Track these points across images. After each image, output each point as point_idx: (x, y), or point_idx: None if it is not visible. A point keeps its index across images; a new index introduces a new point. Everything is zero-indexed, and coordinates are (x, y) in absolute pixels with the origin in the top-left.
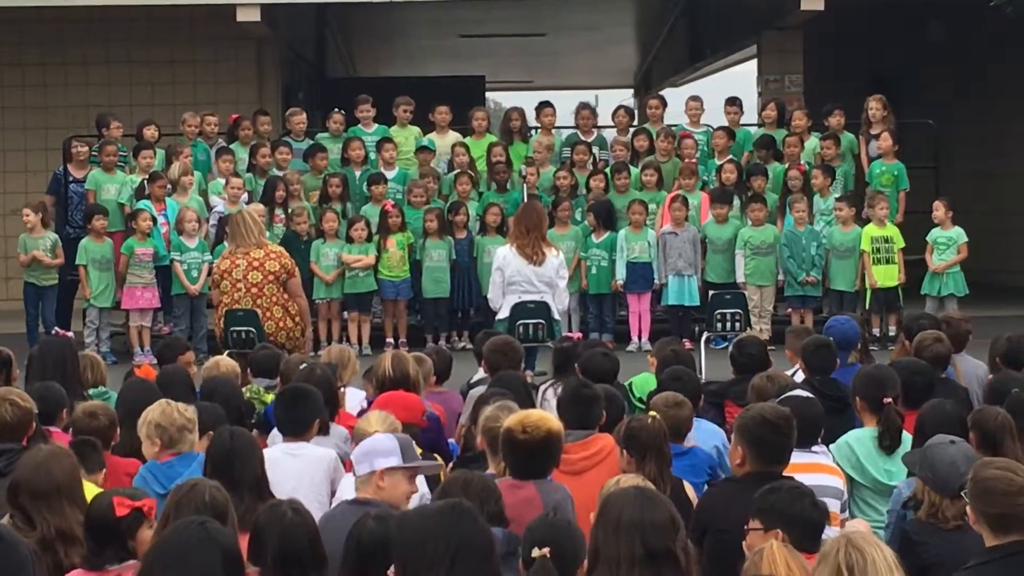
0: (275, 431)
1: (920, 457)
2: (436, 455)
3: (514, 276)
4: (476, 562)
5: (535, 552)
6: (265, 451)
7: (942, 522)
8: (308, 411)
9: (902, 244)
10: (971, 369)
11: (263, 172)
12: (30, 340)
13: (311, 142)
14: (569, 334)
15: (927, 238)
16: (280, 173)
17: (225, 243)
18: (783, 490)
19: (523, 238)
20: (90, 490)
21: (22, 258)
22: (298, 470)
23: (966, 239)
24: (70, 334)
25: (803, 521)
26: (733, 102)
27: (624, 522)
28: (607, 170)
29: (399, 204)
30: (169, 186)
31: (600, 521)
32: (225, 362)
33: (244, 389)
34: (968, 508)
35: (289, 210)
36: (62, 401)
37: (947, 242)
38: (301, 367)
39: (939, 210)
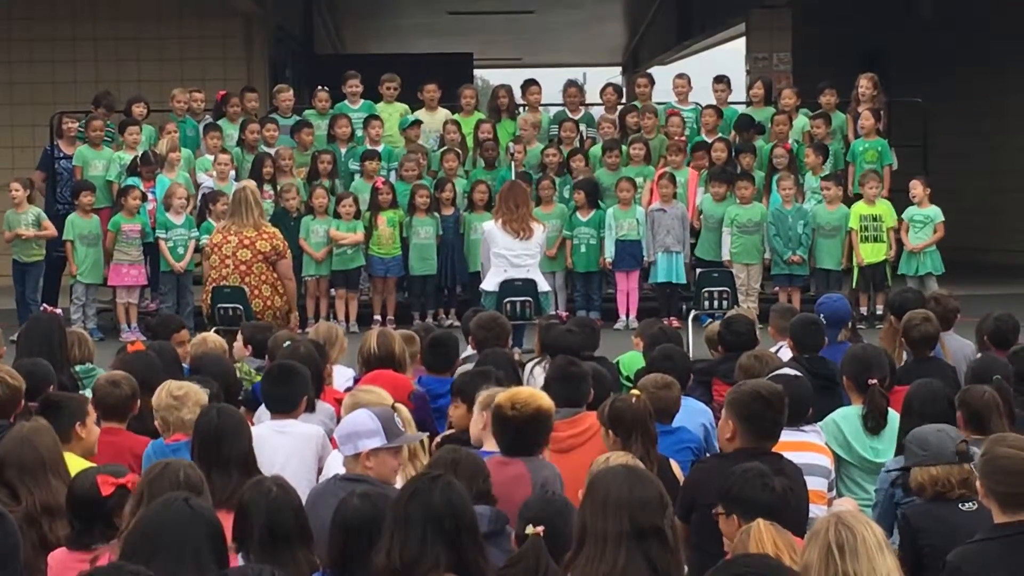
0: (262, 409)
1: (908, 442)
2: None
3: (500, 251)
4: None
5: (529, 529)
6: (253, 428)
7: (949, 492)
8: (296, 388)
9: (892, 224)
10: (959, 348)
11: (252, 148)
12: (19, 317)
13: (298, 119)
14: (557, 313)
15: (903, 216)
16: (268, 150)
17: (209, 220)
18: (737, 473)
19: (511, 214)
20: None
21: (6, 235)
22: (286, 447)
23: (942, 218)
24: (58, 311)
25: (756, 503)
26: (721, 80)
27: (612, 499)
28: (597, 147)
29: (390, 181)
30: (156, 167)
31: (588, 498)
32: (212, 338)
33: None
34: (978, 482)
35: (278, 186)
36: (49, 377)
37: (924, 220)
38: (285, 344)
39: (916, 188)
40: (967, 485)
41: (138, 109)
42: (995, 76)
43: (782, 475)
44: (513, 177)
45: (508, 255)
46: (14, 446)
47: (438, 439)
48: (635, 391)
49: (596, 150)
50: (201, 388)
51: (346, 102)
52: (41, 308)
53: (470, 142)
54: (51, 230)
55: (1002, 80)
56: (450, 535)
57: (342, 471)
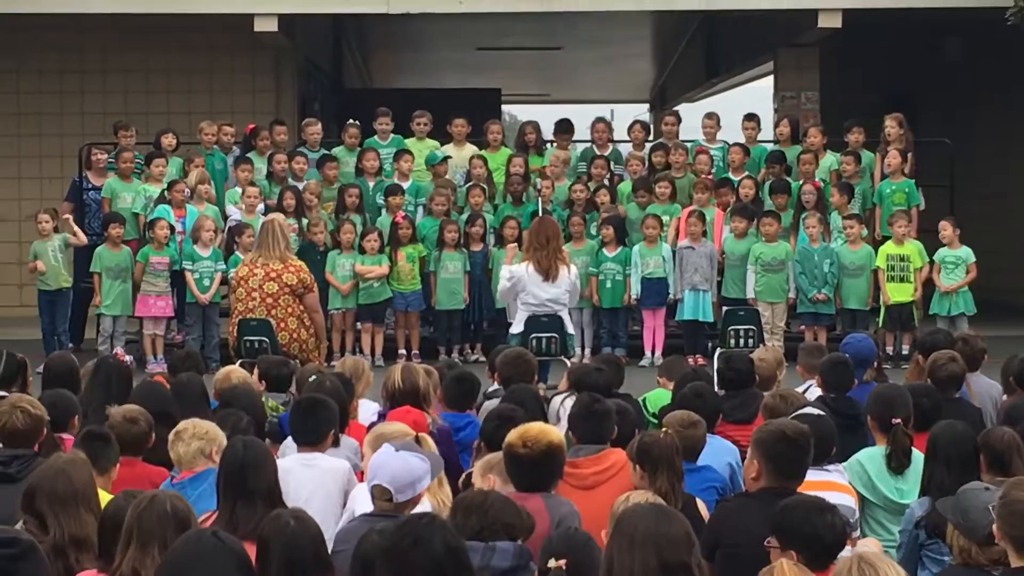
0: (287, 442)
1: (953, 503)
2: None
3: (526, 297)
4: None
5: (551, 563)
6: (279, 461)
7: (974, 565)
8: (324, 421)
9: (919, 264)
10: (985, 389)
11: (280, 179)
12: (45, 348)
13: (324, 152)
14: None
15: (934, 257)
16: (297, 183)
17: (237, 253)
18: (799, 507)
19: (541, 250)
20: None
21: (30, 265)
22: (312, 480)
23: (974, 259)
24: (127, 358)
25: (815, 540)
26: (751, 118)
27: (640, 535)
28: (625, 183)
29: (410, 216)
30: (188, 191)
31: (615, 535)
32: (237, 372)
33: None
34: (994, 526)
35: (305, 220)
36: (73, 408)
37: (955, 261)
38: (311, 379)
39: (946, 230)
40: (999, 563)
41: (167, 140)
42: (1021, 117)
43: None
44: (540, 213)
45: (533, 303)
46: (47, 477)
47: (463, 477)
48: (666, 428)
49: (624, 187)
50: (216, 423)
51: (376, 137)
52: (114, 353)
53: (497, 177)
54: (82, 237)
55: None
56: None
57: (367, 505)
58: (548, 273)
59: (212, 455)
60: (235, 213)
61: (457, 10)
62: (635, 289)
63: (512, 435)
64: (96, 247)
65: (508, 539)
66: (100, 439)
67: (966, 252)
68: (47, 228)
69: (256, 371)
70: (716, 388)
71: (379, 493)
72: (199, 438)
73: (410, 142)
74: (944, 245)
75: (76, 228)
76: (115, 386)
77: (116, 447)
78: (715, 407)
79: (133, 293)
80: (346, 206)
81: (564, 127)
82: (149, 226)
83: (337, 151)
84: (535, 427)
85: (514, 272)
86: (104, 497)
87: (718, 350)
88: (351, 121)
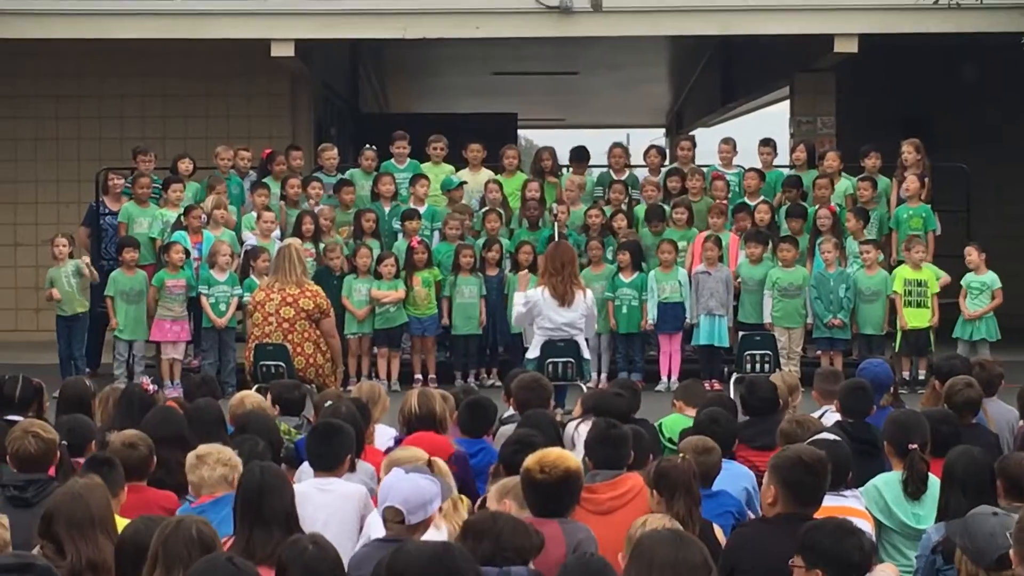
0: (304, 466)
1: (961, 527)
2: (462, 495)
3: (542, 321)
4: None
5: None
6: (296, 486)
7: None
8: (341, 446)
9: (936, 289)
10: (1002, 414)
11: (293, 203)
12: (62, 373)
13: (341, 177)
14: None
15: (961, 282)
16: (313, 207)
17: (252, 277)
18: (828, 528)
19: (557, 275)
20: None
21: (45, 294)
22: (328, 505)
23: (999, 285)
24: (152, 387)
25: (842, 560)
26: (767, 143)
27: (658, 561)
28: (640, 208)
29: (426, 241)
30: (204, 217)
31: (633, 560)
32: (252, 397)
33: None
34: (1012, 551)
35: (321, 245)
36: (90, 433)
37: (980, 287)
38: (327, 404)
39: (972, 255)
40: None
41: (184, 165)
42: None
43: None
44: (556, 237)
45: (549, 327)
46: (65, 501)
47: (480, 501)
48: (683, 453)
49: (640, 211)
50: (233, 448)
51: (392, 161)
52: (142, 382)
53: (513, 202)
54: (94, 274)
55: None
56: None
57: (383, 530)
58: (564, 298)
59: (234, 482)
60: (251, 238)
61: (473, 35)
62: (651, 314)
63: (529, 460)
64: (112, 271)
65: (521, 562)
66: (105, 464)
67: (991, 278)
68: (63, 252)
69: (269, 395)
70: (741, 414)
71: (391, 515)
72: (224, 464)
73: (426, 166)
74: (970, 270)
75: (91, 269)
76: (137, 415)
77: (121, 471)
78: (731, 433)
79: (148, 318)
80: (363, 230)
81: (579, 155)
82: (164, 250)
83: (353, 174)
84: (553, 452)
85: (529, 297)
86: (119, 522)
87: (734, 375)
88: (368, 146)
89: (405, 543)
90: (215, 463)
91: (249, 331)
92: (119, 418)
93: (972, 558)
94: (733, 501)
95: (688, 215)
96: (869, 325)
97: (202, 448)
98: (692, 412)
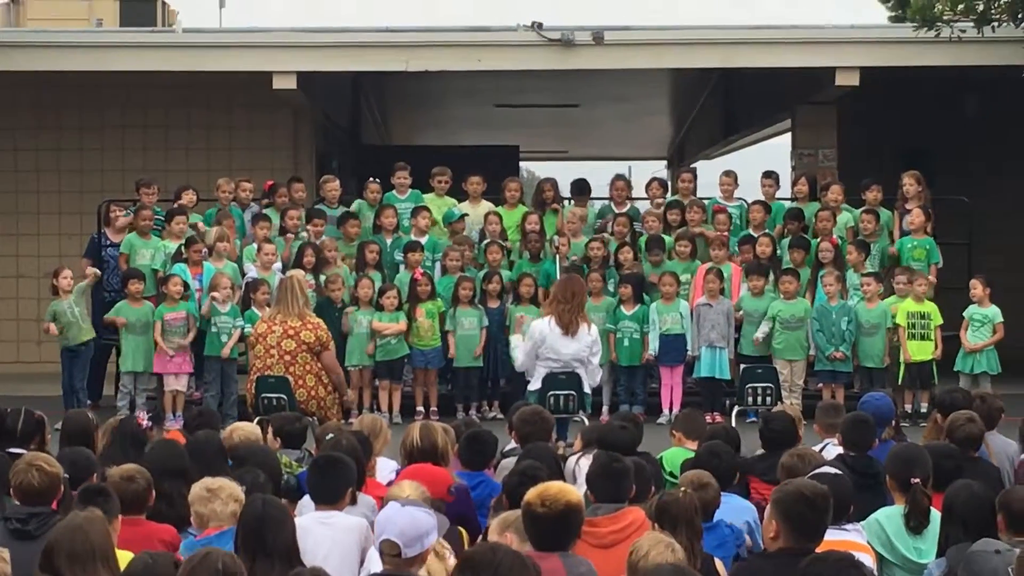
0: (305, 499)
1: (965, 561)
2: (461, 528)
3: (547, 352)
4: None
5: None
6: (297, 519)
7: None
8: (343, 479)
9: (939, 321)
10: (1002, 447)
11: (293, 234)
12: (65, 405)
13: (345, 209)
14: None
15: (964, 314)
16: (314, 240)
17: (253, 309)
18: (829, 561)
19: (564, 304)
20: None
21: (43, 327)
22: (329, 538)
23: (1001, 319)
24: (146, 422)
25: None
26: (769, 175)
27: None
28: (642, 240)
29: (429, 273)
30: (205, 251)
31: None
32: (240, 430)
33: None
34: None
35: (323, 277)
36: (92, 466)
37: (983, 320)
38: (328, 437)
39: (976, 288)
40: None
41: (188, 196)
42: None
43: None
44: (558, 269)
45: (553, 358)
46: (66, 534)
47: (481, 534)
48: (684, 487)
49: (641, 242)
50: (239, 483)
51: (394, 192)
52: (136, 416)
53: (514, 234)
54: (93, 276)
55: None
56: None
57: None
58: (568, 328)
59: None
60: (252, 270)
61: (475, 68)
62: (653, 346)
63: (531, 494)
64: (115, 303)
65: None
66: (99, 494)
67: (994, 312)
68: (67, 284)
69: (271, 428)
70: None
71: (388, 548)
72: (235, 500)
73: (428, 198)
74: (973, 302)
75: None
76: (130, 449)
77: (116, 501)
78: (732, 466)
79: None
80: (366, 262)
81: (580, 187)
82: (163, 282)
83: (359, 205)
84: (554, 486)
85: (534, 328)
86: (121, 556)
87: (735, 408)
88: (372, 179)
89: None
90: (228, 498)
91: (251, 363)
92: (111, 452)
93: None
94: (730, 531)
95: (691, 248)
96: (869, 358)
97: (212, 482)
98: (692, 444)
